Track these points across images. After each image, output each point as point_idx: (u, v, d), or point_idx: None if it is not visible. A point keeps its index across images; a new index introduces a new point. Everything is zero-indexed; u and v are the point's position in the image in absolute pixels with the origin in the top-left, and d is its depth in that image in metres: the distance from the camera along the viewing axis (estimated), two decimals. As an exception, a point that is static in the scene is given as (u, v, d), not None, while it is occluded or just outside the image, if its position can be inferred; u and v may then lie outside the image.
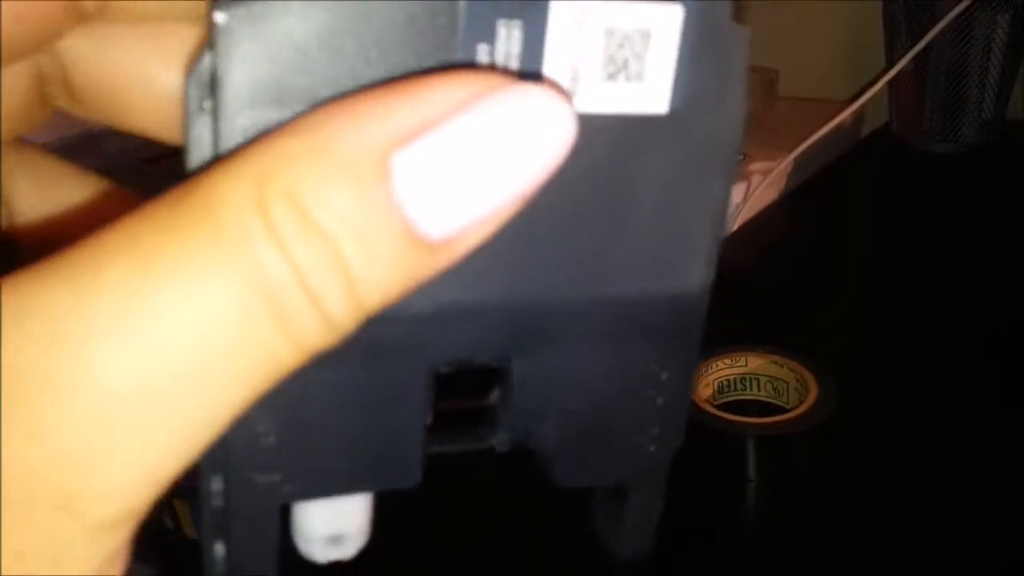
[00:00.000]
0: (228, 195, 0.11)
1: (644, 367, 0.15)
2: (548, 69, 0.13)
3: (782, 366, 0.44)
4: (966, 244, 0.64)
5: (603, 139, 0.13)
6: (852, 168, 0.83)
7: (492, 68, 0.13)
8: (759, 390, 0.45)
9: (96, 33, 0.15)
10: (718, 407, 0.42)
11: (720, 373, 0.45)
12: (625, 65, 0.13)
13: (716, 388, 0.46)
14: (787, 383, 0.44)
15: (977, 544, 0.36)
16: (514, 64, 0.13)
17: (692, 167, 0.14)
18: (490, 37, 0.12)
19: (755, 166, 0.76)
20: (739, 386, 0.46)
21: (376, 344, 0.13)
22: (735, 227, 0.73)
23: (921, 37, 0.75)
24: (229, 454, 0.13)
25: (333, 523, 0.15)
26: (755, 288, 0.61)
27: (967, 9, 0.73)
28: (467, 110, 0.11)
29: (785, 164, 0.76)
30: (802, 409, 0.40)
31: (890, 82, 0.78)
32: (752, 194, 0.74)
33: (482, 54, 0.12)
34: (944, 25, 0.73)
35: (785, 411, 0.42)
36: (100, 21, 0.15)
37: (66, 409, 0.10)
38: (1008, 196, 0.69)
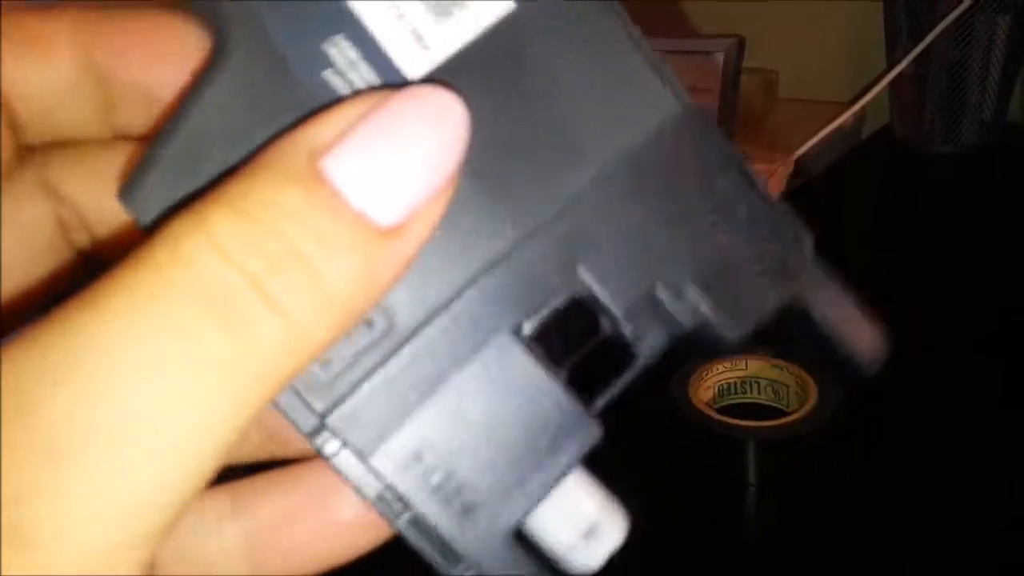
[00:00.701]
0: (171, 231, 0.11)
1: (698, 195, 0.15)
2: (392, 49, 0.13)
3: (782, 369, 0.44)
4: (967, 246, 0.63)
5: (491, 60, 0.14)
6: (853, 170, 0.83)
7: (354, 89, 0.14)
8: (759, 394, 0.45)
9: (91, 175, 0.16)
10: (718, 411, 0.42)
11: (720, 377, 0.45)
12: None
13: (716, 392, 0.45)
14: (787, 386, 0.44)
15: (979, 547, 0.36)
16: (364, 68, 0.13)
17: (584, 24, 0.15)
18: (326, 62, 0.13)
19: (756, 167, 0.76)
20: (739, 390, 0.46)
21: (462, 350, 0.14)
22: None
23: (922, 38, 0.75)
24: (442, 534, 0.14)
25: (573, 519, 0.14)
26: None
27: (968, 10, 0.73)
28: (375, 113, 0.12)
29: (785, 166, 0.76)
30: (802, 413, 0.40)
31: (891, 83, 0.78)
32: (752, 196, 0.74)
33: (332, 79, 0.13)
34: (945, 26, 0.73)
35: (785, 414, 0.42)
36: (44, 156, 0.15)
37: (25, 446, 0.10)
38: (1009, 198, 0.69)
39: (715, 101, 0.84)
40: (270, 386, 0.11)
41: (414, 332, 0.14)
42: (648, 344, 0.15)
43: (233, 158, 0.13)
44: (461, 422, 0.14)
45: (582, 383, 0.15)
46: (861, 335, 0.15)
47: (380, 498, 0.14)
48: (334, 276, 0.11)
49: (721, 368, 0.45)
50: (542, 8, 0.14)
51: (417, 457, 0.14)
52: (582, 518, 0.14)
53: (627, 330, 0.15)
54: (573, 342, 0.15)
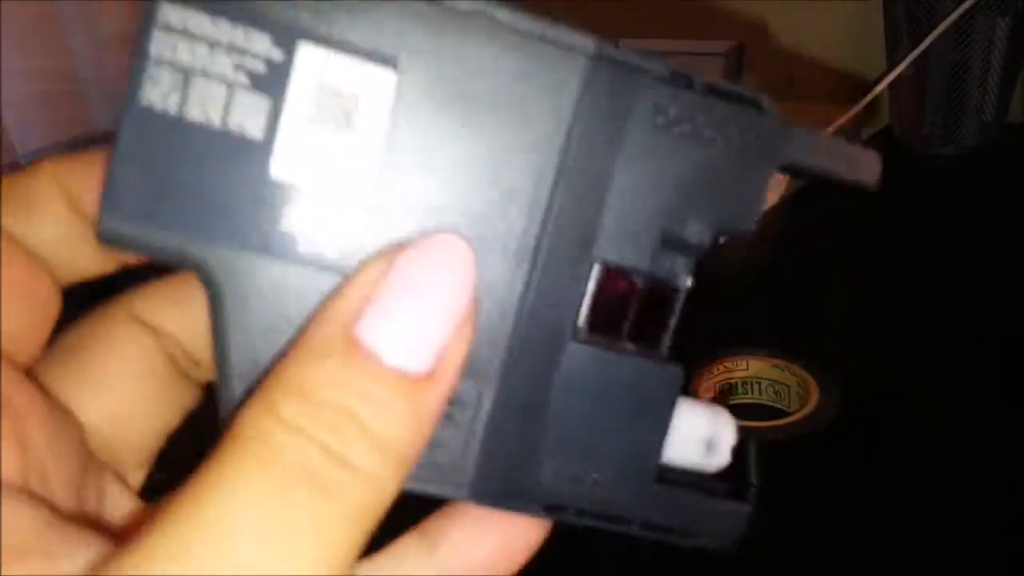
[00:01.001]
0: (244, 420, 0.13)
1: (647, 129, 0.15)
2: (341, 172, 0.14)
3: (784, 370, 0.44)
4: (967, 247, 0.63)
5: (415, 117, 0.14)
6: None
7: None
8: (760, 394, 0.45)
9: (180, 303, 0.18)
10: (719, 411, 0.42)
11: (721, 377, 0.45)
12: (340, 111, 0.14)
13: (717, 392, 0.45)
14: (789, 387, 0.44)
15: (980, 547, 0.36)
16: (325, 214, 0.14)
17: (464, 45, 0.15)
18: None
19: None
20: (740, 390, 0.46)
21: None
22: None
23: (921, 40, 0.75)
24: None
25: (695, 443, 0.17)
26: (756, 291, 0.61)
27: (968, 12, 0.73)
28: (388, 276, 0.14)
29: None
30: (804, 413, 0.40)
31: (890, 85, 0.78)
32: (753, 197, 0.74)
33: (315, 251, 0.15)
34: (944, 28, 0.73)
35: (787, 415, 0.42)
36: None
37: None
38: (1009, 199, 0.69)
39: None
40: (365, 524, 0.13)
41: (497, 377, 0.15)
42: (681, 275, 0.16)
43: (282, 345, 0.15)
44: (579, 434, 0.16)
45: (644, 334, 0.16)
46: (856, 163, 0.16)
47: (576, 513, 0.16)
48: (385, 427, 0.13)
49: (722, 368, 0.45)
50: (423, 60, 0.14)
51: (574, 480, 0.16)
52: (700, 438, 0.17)
53: (661, 273, 0.16)
54: (620, 309, 0.16)
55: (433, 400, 0.14)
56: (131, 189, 0.13)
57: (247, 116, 0.14)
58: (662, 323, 0.16)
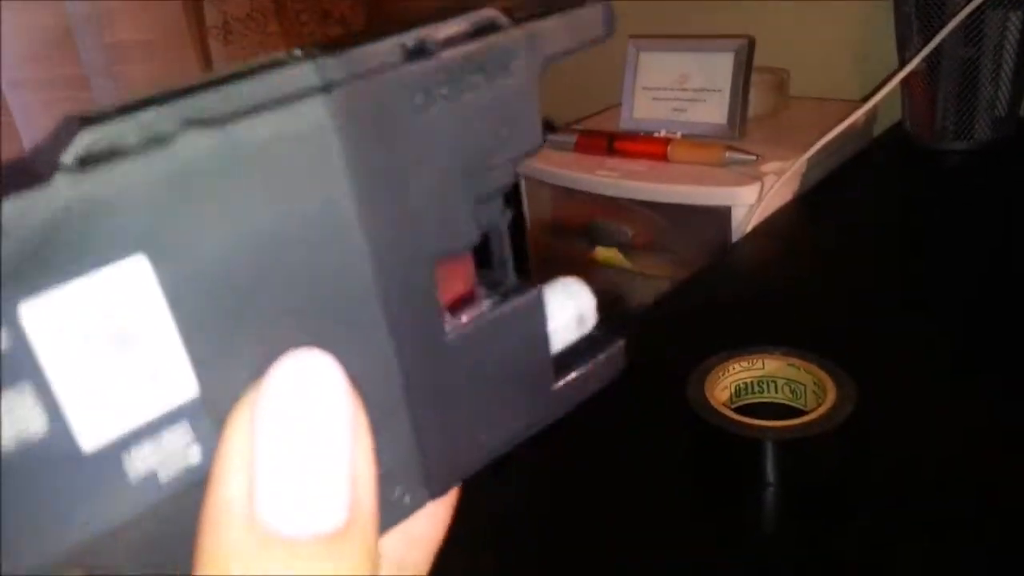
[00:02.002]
0: None
1: (404, 114, 0.14)
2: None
3: (799, 368, 0.44)
4: (982, 241, 0.63)
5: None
6: (866, 167, 0.83)
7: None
8: (776, 392, 0.46)
9: None
10: (735, 410, 0.42)
11: (737, 376, 0.46)
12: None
13: (733, 391, 0.46)
14: (804, 385, 0.45)
15: (998, 545, 0.36)
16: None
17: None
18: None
19: (768, 167, 0.76)
20: (756, 389, 0.46)
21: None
22: (749, 228, 0.73)
23: (933, 35, 0.75)
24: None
25: (573, 303, 0.18)
26: (770, 289, 0.61)
27: (979, 7, 0.73)
28: (256, 442, 0.12)
29: (799, 164, 0.76)
30: (820, 411, 0.40)
31: (903, 81, 0.78)
32: (766, 195, 0.74)
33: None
34: (956, 23, 0.73)
35: (803, 413, 0.42)
36: None
37: None
38: (1022, 193, 0.69)
39: (726, 101, 0.85)
40: None
41: (404, 406, 0.15)
42: (500, 218, 0.17)
43: None
44: (490, 393, 0.17)
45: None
46: (588, 23, 0.16)
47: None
48: None
49: (737, 368, 0.45)
50: (164, 225, 0.12)
51: (501, 424, 0.17)
52: (570, 318, 0.18)
53: (484, 229, 0.16)
54: (465, 279, 0.17)
55: (367, 526, 0.13)
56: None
57: (20, 420, 0.11)
58: (501, 262, 0.17)
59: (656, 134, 0.85)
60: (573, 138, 0.88)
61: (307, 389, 0.12)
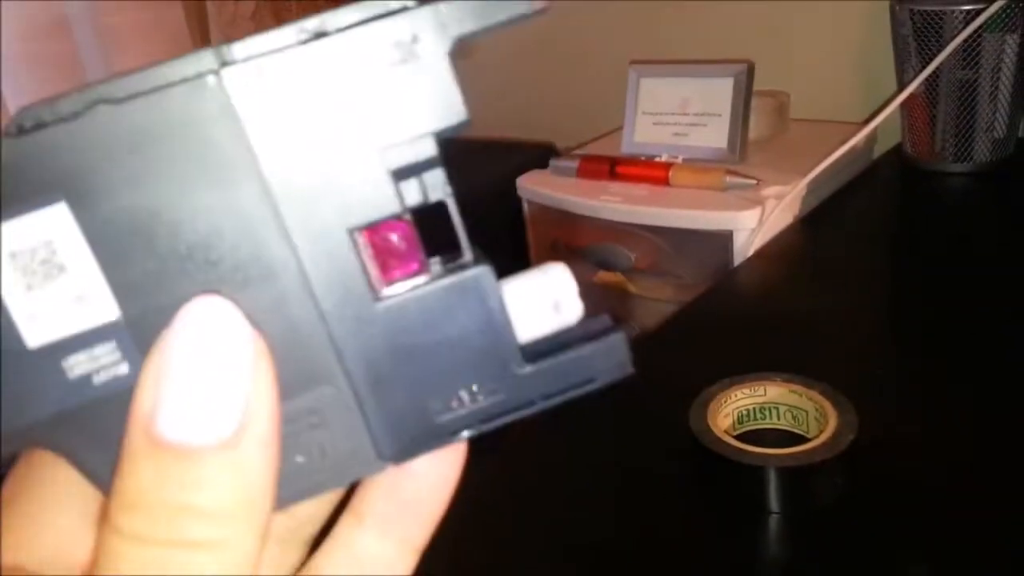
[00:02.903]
0: (97, 546, 0.15)
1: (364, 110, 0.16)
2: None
3: (801, 395, 0.45)
4: (982, 263, 0.64)
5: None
6: (866, 189, 0.83)
7: None
8: (779, 419, 0.46)
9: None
10: (737, 437, 0.42)
11: (739, 403, 0.46)
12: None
13: (735, 418, 0.46)
14: (806, 412, 0.45)
15: (1004, 569, 0.36)
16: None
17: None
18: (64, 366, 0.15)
19: (769, 191, 0.77)
20: (758, 415, 0.46)
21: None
22: (751, 252, 0.73)
23: (931, 59, 0.75)
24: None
25: (546, 287, 0.17)
26: (771, 314, 0.61)
27: (976, 30, 0.73)
28: (161, 365, 0.15)
29: (799, 188, 0.76)
30: (822, 438, 0.41)
31: (902, 103, 0.79)
32: (767, 218, 0.74)
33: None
34: (954, 47, 0.74)
35: (805, 440, 0.42)
36: None
37: None
38: (1021, 215, 0.70)
39: (727, 125, 0.85)
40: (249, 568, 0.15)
41: (339, 367, 0.17)
42: (435, 190, 0.17)
43: None
44: (438, 365, 0.17)
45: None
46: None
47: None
48: (217, 498, 0.14)
49: (739, 395, 0.46)
50: (83, 179, 0.15)
51: (459, 401, 0.17)
52: (543, 303, 0.17)
53: (418, 202, 0.17)
54: (410, 248, 0.17)
55: (253, 447, 0.15)
56: None
57: None
58: (452, 235, 0.17)
59: (657, 158, 0.86)
60: (575, 163, 0.88)
61: (206, 323, 0.15)
